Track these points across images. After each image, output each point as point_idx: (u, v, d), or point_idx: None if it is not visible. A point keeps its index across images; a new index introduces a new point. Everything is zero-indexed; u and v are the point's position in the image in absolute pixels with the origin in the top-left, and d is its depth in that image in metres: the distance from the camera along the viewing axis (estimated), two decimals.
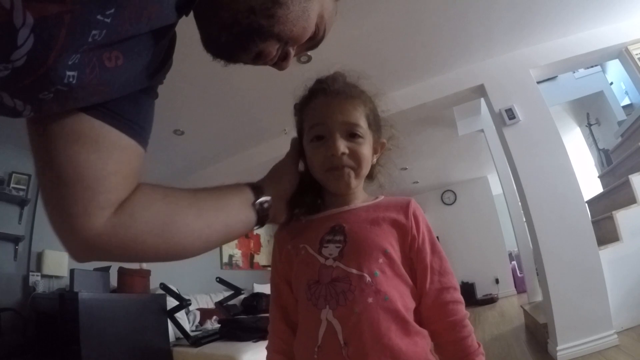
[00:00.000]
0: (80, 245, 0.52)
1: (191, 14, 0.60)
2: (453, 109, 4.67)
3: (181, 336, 3.80)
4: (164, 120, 3.68)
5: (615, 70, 5.23)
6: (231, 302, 4.51)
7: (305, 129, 0.82)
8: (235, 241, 6.93)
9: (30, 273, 3.65)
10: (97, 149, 0.49)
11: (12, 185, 3.72)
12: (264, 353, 0.85)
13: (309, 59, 3.07)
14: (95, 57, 0.44)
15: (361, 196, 0.85)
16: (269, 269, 1.11)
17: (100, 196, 0.50)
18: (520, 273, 7.72)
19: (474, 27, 3.10)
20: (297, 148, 0.83)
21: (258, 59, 0.62)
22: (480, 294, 7.86)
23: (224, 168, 4.81)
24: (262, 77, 3.18)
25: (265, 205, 0.71)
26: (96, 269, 3.62)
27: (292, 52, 0.66)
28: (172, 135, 4.03)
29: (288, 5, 0.57)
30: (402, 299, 0.72)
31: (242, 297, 4.58)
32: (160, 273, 4.28)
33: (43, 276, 3.71)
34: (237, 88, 3.40)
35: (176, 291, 3.94)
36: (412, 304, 0.74)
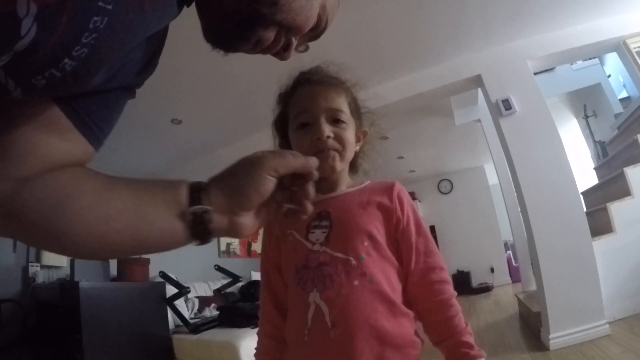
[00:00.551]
0: None
1: (192, 5, 0.60)
2: (450, 98, 4.67)
3: (181, 323, 3.84)
4: (162, 109, 3.67)
5: (613, 63, 5.21)
6: (229, 290, 4.55)
7: (290, 118, 0.84)
8: None
9: (30, 264, 3.65)
10: (44, 132, 0.49)
11: None
12: None
13: (307, 48, 3.05)
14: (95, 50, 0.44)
15: (346, 182, 0.87)
16: None
17: (15, 166, 0.47)
18: (515, 262, 7.77)
19: (472, 17, 3.09)
20: (280, 134, 0.81)
21: (257, 46, 0.61)
22: (475, 282, 7.94)
23: (221, 157, 4.80)
24: (259, 66, 3.16)
25: (203, 217, 0.52)
26: None
27: (295, 42, 0.65)
28: (170, 124, 4.02)
29: None
30: (388, 280, 0.74)
31: (239, 284, 4.61)
32: (159, 261, 4.32)
33: (42, 267, 3.72)
34: (234, 77, 3.39)
35: (175, 279, 3.97)
36: (398, 285, 0.76)
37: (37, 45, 0.39)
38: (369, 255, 0.74)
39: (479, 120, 5.40)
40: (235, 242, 7.00)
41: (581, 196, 3.38)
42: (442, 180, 9.07)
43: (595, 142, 5.67)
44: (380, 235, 0.77)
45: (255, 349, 0.86)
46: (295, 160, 0.56)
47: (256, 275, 6.07)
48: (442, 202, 8.99)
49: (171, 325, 3.87)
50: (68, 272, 3.58)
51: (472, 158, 7.97)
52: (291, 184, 0.59)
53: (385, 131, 5.59)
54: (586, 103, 5.93)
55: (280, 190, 0.58)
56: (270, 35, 0.59)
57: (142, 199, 0.51)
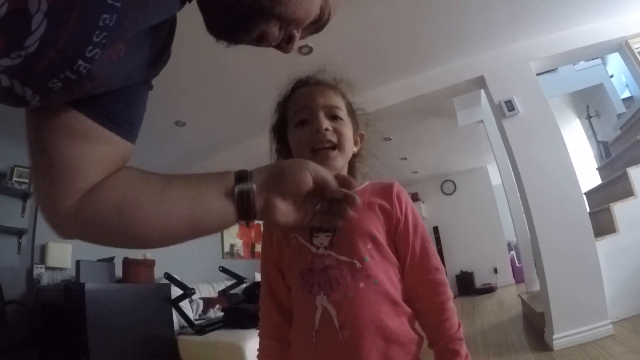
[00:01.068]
0: (55, 225, 0.56)
1: (194, 1, 0.61)
2: (453, 99, 4.68)
3: (186, 325, 3.85)
4: (166, 111, 3.68)
5: (616, 63, 5.21)
6: (233, 291, 4.57)
7: (289, 119, 0.86)
8: (237, 230, 6.97)
9: (35, 265, 3.66)
10: (83, 143, 0.52)
11: (14, 178, 3.71)
12: None
13: (310, 50, 3.08)
14: (106, 50, 0.46)
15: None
16: None
17: (74, 182, 0.53)
18: (518, 263, 7.77)
19: (475, 19, 3.10)
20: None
21: (261, 40, 0.62)
22: (479, 283, 7.93)
23: (225, 159, 4.82)
24: (262, 68, 3.19)
25: (249, 194, 0.59)
26: (100, 260, 3.67)
27: (297, 35, 0.66)
28: (174, 126, 4.05)
29: None
30: (391, 280, 0.76)
31: (244, 286, 4.63)
32: (163, 263, 4.34)
33: (47, 268, 3.73)
34: (238, 79, 3.41)
35: (180, 281, 3.99)
36: (399, 285, 0.78)
37: (48, 42, 0.40)
38: (372, 258, 0.75)
39: (481, 121, 5.41)
40: (239, 244, 7.02)
41: (584, 196, 3.39)
42: (445, 181, 9.07)
43: (598, 142, 5.67)
44: (382, 236, 0.78)
45: (258, 350, 0.87)
46: (329, 174, 0.64)
47: (259, 277, 6.09)
48: (445, 203, 8.99)
49: (176, 326, 3.87)
50: (73, 273, 3.60)
51: (475, 159, 7.97)
52: (332, 200, 0.65)
53: (388, 132, 5.63)
54: (589, 103, 5.93)
55: (321, 200, 0.66)
56: (273, 30, 0.60)
57: (196, 188, 0.58)
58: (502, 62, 3.55)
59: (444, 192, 9.10)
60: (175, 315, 3.85)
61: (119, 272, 3.88)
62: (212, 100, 3.72)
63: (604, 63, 5.55)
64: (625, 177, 3.38)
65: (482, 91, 4.11)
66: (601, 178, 4.48)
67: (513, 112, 3.34)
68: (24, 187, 3.75)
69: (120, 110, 0.56)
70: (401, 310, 0.75)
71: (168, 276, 3.95)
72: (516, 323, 4.11)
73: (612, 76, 5.45)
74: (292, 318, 0.82)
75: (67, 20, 0.39)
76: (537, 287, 4.77)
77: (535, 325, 3.53)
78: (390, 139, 5.69)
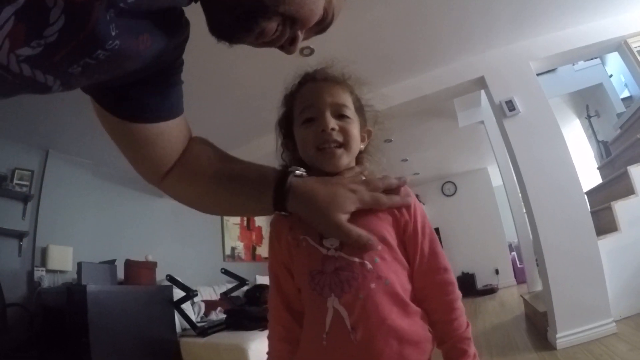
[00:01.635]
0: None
1: (198, 2, 0.62)
2: (453, 100, 4.69)
3: (188, 327, 3.84)
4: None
5: (615, 63, 5.23)
6: (234, 294, 4.56)
7: (295, 115, 0.84)
8: (238, 233, 6.98)
9: (35, 268, 3.64)
10: (146, 144, 0.69)
11: (15, 181, 3.70)
12: None
13: (312, 52, 3.09)
14: (132, 37, 0.49)
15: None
16: None
17: (157, 171, 0.75)
18: (520, 264, 7.77)
19: (475, 19, 3.12)
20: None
21: (260, 37, 0.62)
22: (480, 284, 7.92)
23: None
24: (266, 68, 3.20)
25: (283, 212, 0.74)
26: (102, 262, 3.67)
27: (301, 35, 0.66)
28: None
29: None
30: (401, 281, 0.75)
31: (245, 288, 4.62)
32: (165, 265, 4.34)
33: (48, 271, 3.71)
34: (240, 80, 3.41)
35: (182, 282, 3.98)
36: (409, 286, 0.77)
37: (68, 35, 0.42)
38: (383, 259, 0.74)
39: (482, 122, 5.42)
40: (240, 247, 7.01)
41: (585, 196, 3.39)
42: (445, 182, 9.08)
43: (598, 141, 5.68)
44: (392, 237, 0.78)
45: (267, 353, 0.85)
46: (370, 194, 0.75)
47: (261, 279, 6.08)
48: (446, 204, 8.99)
49: (178, 328, 3.87)
50: (73, 276, 3.59)
51: (475, 160, 7.98)
52: None
53: (389, 134, 5.57)
54: (588, 103, 5.95)
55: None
56: (273, 26, 0.60)
57: (240, 199, 0.77)
58: (502, 62, 3.56)
59: (444, 194, 9.11)
60: (177, 317, 3.85)
61: (120, 274, 3.88)
62: (216, 100, 3.73)
63: (603, 63, 5.57)
64: (625, 175, 3.39)
65: (482, 92, 4.12)
66: (602, 177, 4.49)
67: (514, 112, 3.35)
68: (24, 189, 3.75)
69: (159, 105, 0.67)
70: (412, 309, 0.74)
71: (170, 278, 3.94)
72: (519, 323, 4.11)
73: (611, 76, 5.46)
74: (302, 319, 0.81)
75: (87, 19, 0.42)
76: (539, 287, 4.78)
77: (538, 324, 3.53)
78: (391, 140, 5.69)
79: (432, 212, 8.96)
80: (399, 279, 0.75)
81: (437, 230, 8.48)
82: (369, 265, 0.73)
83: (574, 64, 5.52)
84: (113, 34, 0.45)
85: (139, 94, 0.63)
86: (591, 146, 6.18)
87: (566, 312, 2.89)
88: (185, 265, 5.19)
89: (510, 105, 3.36)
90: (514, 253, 8.39)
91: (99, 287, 3.12)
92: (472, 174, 8.78)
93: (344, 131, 0.80)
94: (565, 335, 2.83)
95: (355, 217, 0.76)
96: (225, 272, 4.47)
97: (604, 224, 3.32)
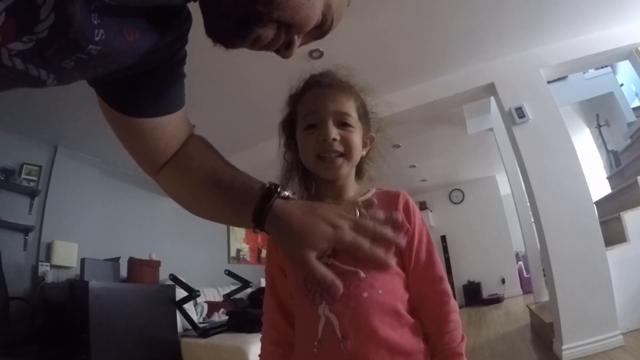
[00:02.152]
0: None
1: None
2: (463, 107, 4.67)
3: (189, 327, 3.84)
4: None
5: (625, 72, 5.19)
6: (238, 296, 4.55)
7: (298, 118, 0.84)
8: (243, 235, 6.99)
9: (40, 263, 3.67)
10: (142, 137, 0.69)
11: (22, 176, 3.74)
12: None
13: (321, 55, 3.09)
14: (117, 32, 0.49)
15: (353, 188, 0.87)
16: None
17: (154, 162, 0.75)
18: (526, 273, 7.70)
19: (485, 26, 3.10)
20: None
21: (255, 43, 0.62)
22: (486, 293, 7.84)
23: (234, 162, 4.79)
24: (272, 72, 3.20)
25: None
26: (106, 260, 3.68)
27: (297, 40, 0.65)
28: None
29: None
30: (395, 291, 0.74)
31: (249, 290, 4.62)
32: (169, 264, 4.34)
33: (52, 266, 3.74)
34: (246, 83, 3.42)
35: (185, 282, 3.98)
36: (405, 295, 0.76)
37: (58, 32, 0.42)
38: (377, 268, 0.73)
39: (491, 129, 5.38)
40: (245, 249, 7.02)
41: (594, 205, 3.35)
42: (453, 190, 9.03)
43: (607, 151, 5.62)
44: (386, 245, 0.76)
45: (260, 356, 0.85)
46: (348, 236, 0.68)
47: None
48: (453, 212, 8.94)
49: (180, 328, 3.87)
50: (77, 272, 3.61)
51: (484, 168, 7.94)
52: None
53: (397, 139, 5.62)
54: (598, 112, 5.90)
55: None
56: (268, 32, 0.60)
57: (226, 209, 0.73)
58: (512, 69, 3.54)
59: (452, 201, 9.06)
60: (179, 317, 3.85)
61: (124, 271, 3.89)
62: (222, 103, 3.74)
63: (614, 72, 5.53)
64: (635, 185, 3.35)
65: (492, 99, 4.09)
66: (611, 187, 4.44)
67: (523, 119, 3.32)
68: (32, 184, 3.78)
69: (155, 101, 0.67)
70: (405, 320, 0.73)
71: (173, 277, 3.94)
72: (524, 334, 4.05)
73: (622, 85, 5.42)
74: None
75: (73, 13, 0.42)
76: (545, 298, 4.73)
77: (543, 336, 3.48)
78: (399, 146, 5.68)
79: (439, 219, 8.93)
80: (393, 288, 0.74)
81: (443, 237, 8.47)
82: (362, 274, 0.72)
83: (584, 72, 5.49)
84: (96, 30, 0.46)
85: (135, 88, 0.63)
86: (601, 156, 6.12)
87: (573, 324, 2.84)
88: (189, 266, 5.20)
89: (520, 113, 3.33)
90: (520, 262, 8.31)
91: (102, 283, 3.14)
92: (480, 182, 8.72)
93: (345, 141, 0.79)
94: (571, 347, 2.79)
95: None
96: (229, 273, 4.47)
97: (613, 234, 3.27)
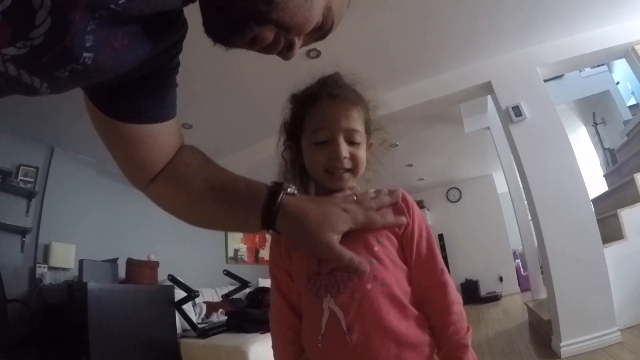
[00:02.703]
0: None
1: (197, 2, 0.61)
2: (460, 106, 4.68)
3: (188, 328, 3.83)
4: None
5: (621, 70, 5.21)
6: (236, 296, 4.55)
7: (306, 127, 0.83)
8: (241, 235, 6.98)
9: (37, 265, 3.65)
10: (138, 144, 0.67)
11: (19, 177, 3.72)
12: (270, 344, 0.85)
13: (318, 54, 3.09)
14: (105, 39, 0.48)
15: (352, 190, 0.87)
16: None
17: (139, 175, 0.73)
18: (524, 271, 7.72)
19: (482, 24, 3.11)
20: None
21: (253, 43, 0.61)
22: (484, 291, 7.86)
23: (232, 162, 4.82)
24: (270, 71, 3.20)
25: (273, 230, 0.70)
26: (104, 261, 3.67)
27: (298, 42, 0.65)
28: (181, 129, 4.06)
29: None
30: (399, 283, 0.74)
31: (247, 290, 4.61)
32: (167, 265, 4.33)
33: (50, 268, 3.71)
34: (245, 82, 3.42)
35: (184, 283, 3.98)
36: (408, 288, 0.76)
37: (54, 39, 0.42)
38: (380, 260, 0.74)
39: (488, 128, 5.40)
40: (243, 249, 7.01)
41: (591, 203, 3.36)
42: (450, 188, 9.05)
43: (604, 149, 5.64)
44: (389, 240, 0.77)
45: (278, 356, 0.83)
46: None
47: (263, 282, 6.07)
48: (450, 210, 8.96)
49: (179, 329, 3.85)
50: (75, 274, 3.60)
51: (481, 166, 7.95)
52: None
53: (394, 138, 5.56)
54: (595, 110, 5.92)
55: None
56: (268, 34, 0.60)
57: (226, 214, 0.72)
58: (509, 67, 3.55)
59: (449, 200, 9.07)
60: (178, 318, 3.84)
61: (122, 272, 3.88)
62: (220, 103, 3.74)
63: (610, 70, 5.55)
64: (632, 183, 3.36)
65: (489, 98, 4.10)
66: (608, 185, 4.46)
67: (520, 118, 3.33)
68: (29, 186, 3.77)
69: (151, 108, 0.65)
70: (410, 312, 0.73)
71: (172, 278, 3.93)
72: (522, 331, 4.06)
73: (618, 83, 5.44)
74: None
75: (71, 20, 0.41)
76: (543, 295, 4.74)
77: (542, 333, 3.49)
78: (397, 145, 5.67)
79: (437, 218, 8.94)
80: (397, 280, 0.75)
81: (441, 236, 8.48)
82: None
83: (580, 71, 5.52)
84: (86, 36, 0.45)
85: (129, 94, 0.62)
86: (597, 154, 6.14)
87: (571, 321, 2.85)
88: (187, 266, 5.19)
89: (517, 111, 3.34)
90: (518, 260, 8.33)
91: (100, 285, 3.12)
92: (477, 181, 8.74)
93: (354, 157, 0.80)
94: (569, 344, 2.80)
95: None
96: (227, 273, 4.46)
97: (610, 231, 3.28)
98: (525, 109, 3.34)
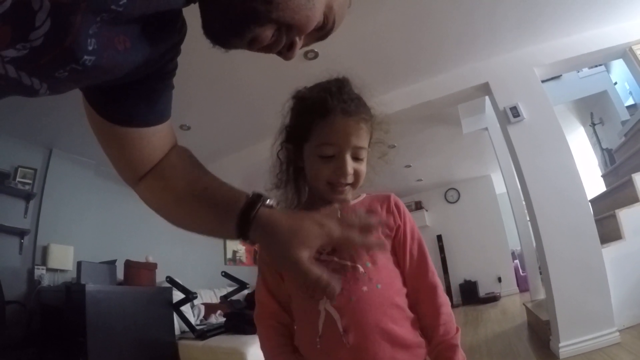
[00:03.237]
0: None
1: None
2: (458, 107, 4.68)
3: (187, 329, 3.82)
4: (171, 115, 3.69)
5: (619, 71, 5.22)
6: (235, 297, 4.54)
7: (313, 138, 0.82)
8: None
9: (36, 267, 3.65)
10: (126, 145, 0.67)
11: (18, 179, 3.72)
12: None
13: (316, 55, 3.09)
14: (108, 42, 0.48)
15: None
16: None
17: (130, 173, 0.73)
18: (522, 272, 7.72)
19: (480, 25, 3.11)
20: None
21: (252, 44, 0.61)
22: (482, 292, 7.86)
23: (230, 163, 4.82)
24: (268, 73, 3.20)
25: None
26: (102, 262, 3.66)
27: (299, 42, 0.65)
28: (179, 130, 4.05)
29: None
30: (393, 285, 0.76)
31: (245, 292, 4.61)
32: (165, 266, 4.32)
33: (48, 270, 3.71)
34: (243, 83, 3.41)
35: (182, 284, 3.97)
36: (403, 290, 0.78)
37: (54, 40, 0.42)
38: (374, 263, 0.75)
39: (486, 129, 5.41)
40: (241, 250, 7.01)
41: (589, 203, 3.37)
42: (449, 189, 9.05)
43: (602, 149, 5.65)
44: (384, 242, 0.78)
45: (267, 349, 0.83)
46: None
47: None
48: (449, 211, 8.96)
49: (177, 331, 3.85)
50: (73, 275, 3.59)
51: (479, 167, 7.96)
52: None
53: (392, 139, 5.58)
54: (593, 111, 5.92)
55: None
56: (267, 33, 0.59)
57: (208, 219, 0.71)
58: (506, 68, 3.56)
59: (447, 201, 9.07)
60: (176, 319, 3.83)
61: (120, 274, 3.87)
62: (218, 104, 3.74)
63: (608, 70, 5.56)
64: (630, 183, 3.36)
65: (487, 99, 4.10)
66: (606, 185, 4.46)
67: (518, 119, 3.34)
68: (27, 187, 3.76)
69: (144, 111, 0.66)
70: (405, 314, 0.75)
71: (170, 280, 3.93)
72: (521, 332, 4.06)
73: (615, 83, 5.45)
74: (293, 324, 0.81)
75: (72, 22, 0.41)
76: (541, 296, 4.75)
77: (540, 333, 3.50)
78: (395, 146, 5.67)
79: (435, 219, 8.94)
80: (392, 283, 0.77)
81: (439, 237, 8.49)
82: (361, 269, 0.74)
83: (578, 71, 5.52)
84: (89, 40, 0.45)
85: (125, 97, 0.62)
86: (595, 154, 6.15)
87: (569, 321, 2.86)
88: (186, 268, 5.19)
89: (515, 112, 3.34)
90: (516, 261, 8.33)
91: (98, 286, 3.12)
92: (475, 181, 8.75)
93: (357, 174, 0.81)
94: (568, 345, 2.80)
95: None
96: (226, 275, 4.46)
97: (608, 232, 3.29)
98: (523, 110, 3.34)
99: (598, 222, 3.21)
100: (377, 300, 0.72)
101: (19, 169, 3.78)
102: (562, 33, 3.39)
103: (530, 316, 4.19)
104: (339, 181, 0.79)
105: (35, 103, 3.13)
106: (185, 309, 4.01)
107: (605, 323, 2.79)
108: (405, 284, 0.79)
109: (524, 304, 4.90)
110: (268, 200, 0.68)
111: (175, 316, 3.80)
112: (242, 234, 0.65)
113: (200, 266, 5.74)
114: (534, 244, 4.08)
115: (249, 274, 6.43)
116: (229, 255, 6.69)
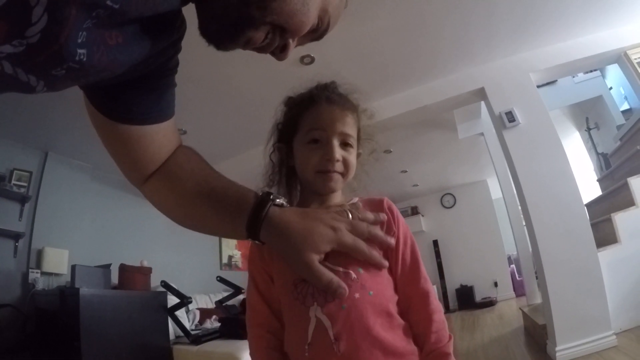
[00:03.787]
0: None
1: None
2: (453, 112, 4.70)
3: (181, 334, 3.80)
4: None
5: (614, 75, 5.25)
6: (230, 302, 4.52)
7: (301, 129, 0.84)
8: (235, 242, 6.94)
9: (30, 270, 3.62)
10: (135, 145, 0.67)
11: (13, 181, 3.70)
12: None
13: (312, 60, 3.10)
14: (99, 36, 0.47)
15: (338, 198, 0.87)
16: None
17: (135, 173, 0.73)
18: (519, 276, 7.73)
19: (475, 30, 3.13)
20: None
21: (247, 44, 0.61)
22: (479, 297, 7.87)
23: (226, 168, 4.80)
24: (264, 78, 3.20)
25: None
26: (97, 266, 3.64)
27: (292, 43, 0.65)
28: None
29: None
30: (386, 292, 0.75)
31: (240, 297, 4.59)
32: (160, 271, 4.30)
33: (43, 273, 3.68)
34: (239, 88, 3.42)
35: (177, 289, 3.95)
36: (394, 297, 0.76)
37: (50, 37, 0.41)
38: (367, 269, 0.74)
39: (481, 134, 5.43)
40: (237, 255, 6.98)
41: (585, 208, 3.38)
42: (445, 194, 9.07)
43: (597, 154, 5.67)
44: (376, 249, 0.76)
45: None
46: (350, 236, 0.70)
47: None
48: (445, 216, 8.98)
49: (172, 335, 3.82)
50: (68, 279, 3.57)
51: (475, 172, 7.99)
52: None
53: (388, 145, 5.65)
54: (588, 115, 5.96)
55: None
56: (260, 34, 0.59)
57: (215, 220, 0.71)
58: (502, 73, 3.58)
59: (443, 206, 9.10)
60: (171, 324, 3.80)
61: (115, 278, 3.85)
62: (214, 109, 3.74)
63: (603, 75, 5.59)
64: (626, 187, 3.37)
65: (482, 104, 4.12)
66: (601, 189, 4.49)
67: (514, 124, 3.35)
68: (22, 190, 3.74)
69: (150, 108, 0.66)
70: (397, 322, 0.74)
71: (165, 284, 3.90)
72: (518, 336, 4.07)
73: (611, 88, 5.47)
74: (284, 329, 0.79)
75: (67, 16, 0.41)
76: (538, 300, 4.75)
77: (537, 337, 3.49)
78: (391, 151, 5.70)
79: (431, 224, 8.96)
80: (384, 290, 0.75)
81: (435, 242, 8.50)
82: (353, 275, 0.73)
83: (573, 76, 5.56)
84: (80, 33, 0.44)
85: (126, 94, 0.62)
86: (591, 158, 6.18)
87: (566, 325, 2.86)
88: (181, 272, 5.16)
89: (510, 117, 3.36)
90: (512, 265, 8.36)
91: (92, 290, 3.10)
92: (471, 186, 8.78)
93: (346, 162, 0.81)
94: (564, 349, 2.80)
95: None
96: (221, 279, 4.43)
97: (604, 235, 3.30)
98: (518, 115, 3.35)
99: (594, 226, 3.22)
100: (370, 307, 0.71)
101: (15, 171, 3.76)
102: (557, 38, 3.42)
103: (527, 320, 4.19)
104: (328, 168, 0.79)
105: (31, 106, 3.13)
106: (180, 313, 3.99)
107: (601, 326, 2.79)
108: (396, 290, 0.78)
109: (520, 309, 4.91)
110: (278, 200, 0.69)
111: (170, 321, 3.78)
112: (252, 234, 0.66)
113: (196, 271, 5.71)
114: (530, 249, 4.09)
115: (245, 279, 6.35)
116: (225, 260, 6.66)
